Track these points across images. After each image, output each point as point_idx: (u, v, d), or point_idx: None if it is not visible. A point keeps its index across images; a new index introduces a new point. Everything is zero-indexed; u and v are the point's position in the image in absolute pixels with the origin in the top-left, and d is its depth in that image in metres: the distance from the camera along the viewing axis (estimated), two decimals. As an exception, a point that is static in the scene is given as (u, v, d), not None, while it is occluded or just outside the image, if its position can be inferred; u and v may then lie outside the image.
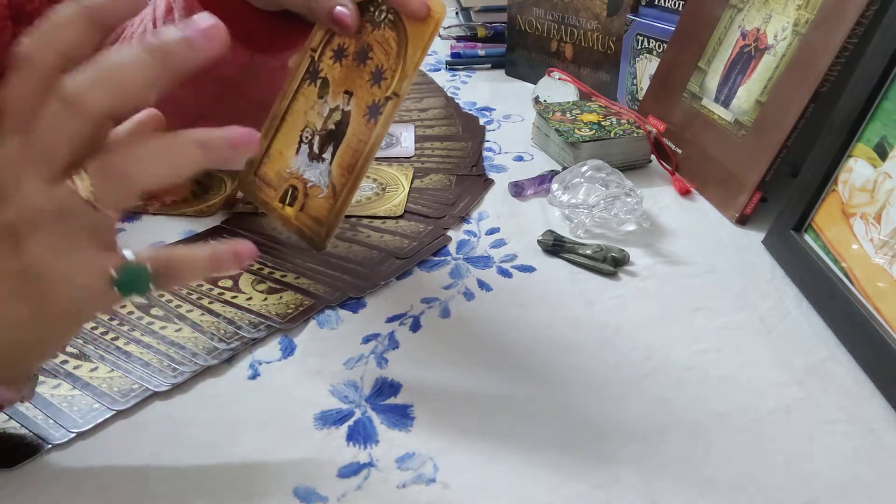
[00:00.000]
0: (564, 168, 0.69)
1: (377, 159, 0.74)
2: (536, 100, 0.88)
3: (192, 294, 0.51)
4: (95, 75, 0.29)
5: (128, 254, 0.31)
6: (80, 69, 0.29)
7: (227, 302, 0.50)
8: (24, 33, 0.29)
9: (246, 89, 0.56)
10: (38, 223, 0.30)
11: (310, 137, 0.44)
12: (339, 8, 0.42)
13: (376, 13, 0.42)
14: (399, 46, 0.40)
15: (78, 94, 0.29)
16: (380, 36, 0.41)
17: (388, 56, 0.41)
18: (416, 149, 0.78)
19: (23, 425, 0.39)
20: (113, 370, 0.43)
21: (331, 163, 0.42)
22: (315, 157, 0.43)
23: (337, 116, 0.43)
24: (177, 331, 0.47)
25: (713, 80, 0.72)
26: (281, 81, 0.47)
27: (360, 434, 0.39)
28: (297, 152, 0.44)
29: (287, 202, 0.44)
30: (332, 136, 0.43)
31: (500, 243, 0.59)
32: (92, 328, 0.47)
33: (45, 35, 0.29)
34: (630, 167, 0.73)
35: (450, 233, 0.61)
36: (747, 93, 0.67)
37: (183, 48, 0.29)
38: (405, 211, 0.64)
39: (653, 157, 0.74)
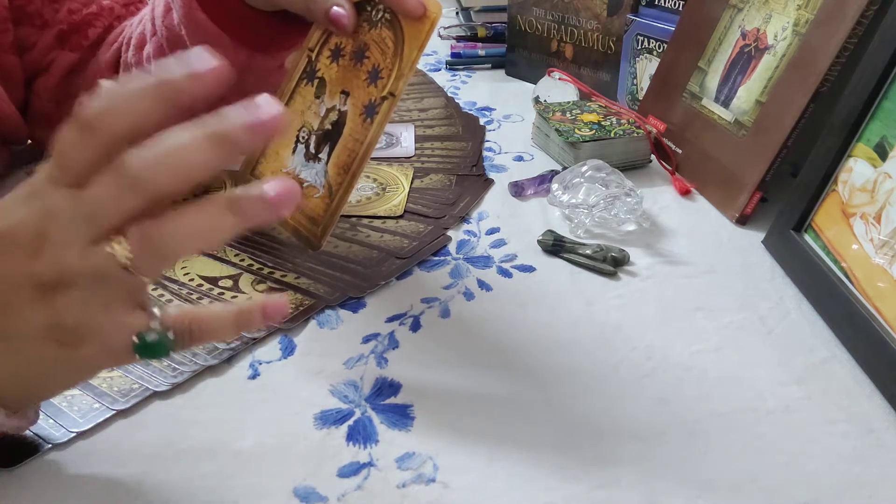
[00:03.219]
0: (564, 168, 0.69)
1: (377, 159, 0.74)
2: (536, 100, 0.88)
3: (192, 294, 0.51)
4: (159, 157, 0.29)
5: (156, 312, 0.32)
6: (144, 147, 0.29)
7: (227, 302, 0.50)
8: (92, 95, 0.29)
9: (244, 89, 0.56)
10: (72, 282, 0.30)
11: (306, 137, 0.44)
12: (336, 8, 0.42)
13: (373, 13, 0.42)
14: (395, 46, 0.40)
15: (141, 175, 0.29)
16: (377, 35, 0.41)
17: (385, 55, 0.41)
18: (416, 149, 0.78)
19: (23, 425, 0.39)
20: (113, 370, 0.43)
21: (327, 163, 0.42)
22: (311, 157, 0.43)
23: (333, 116, 0.43)
24: (177, 331, 0.47)
25: (713, 80, 0.72)
26: (279, 81, 0.47)
27: (360, 434, 0.40)
28: (294, 152, 0.44)
29: None
30: (329, 136, 0.43)
31: (500, 243, 0.59)
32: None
33: (116, 104, 0.29)
34: (630, 167, 0.73)
35: (450, 233, 0.61)
36: (747, 93, 0.67)
37: (245, 135, 0.29)
38: (405, 211, 0.64)
39: (653, 157, 0.74)
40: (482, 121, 0.87)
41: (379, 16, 0.41)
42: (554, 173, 0.67)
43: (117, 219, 0.29)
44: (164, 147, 0.29)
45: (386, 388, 0.43)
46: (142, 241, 0.29)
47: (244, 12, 0.50)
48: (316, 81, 0.44)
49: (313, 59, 0.45)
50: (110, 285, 0.30)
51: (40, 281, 0.30)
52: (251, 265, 0.55)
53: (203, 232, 0.30)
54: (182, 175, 0.29)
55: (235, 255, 0.56)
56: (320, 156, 0.43)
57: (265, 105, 0.29)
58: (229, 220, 0.29)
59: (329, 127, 0.43)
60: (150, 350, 0.32)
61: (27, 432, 0.38)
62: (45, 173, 0.30)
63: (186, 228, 0.29)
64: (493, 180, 0.71)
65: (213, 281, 0.53)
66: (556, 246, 0.58)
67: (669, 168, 0.73)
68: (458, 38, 1.17)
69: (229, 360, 0.45)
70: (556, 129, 0.72)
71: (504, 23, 1.08)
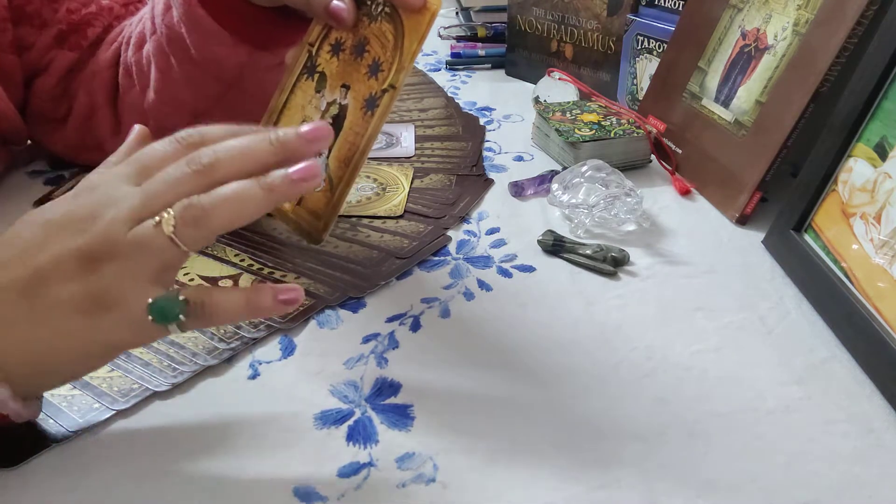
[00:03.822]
0: (564, 168, 0.69)
1: (377, 159, 0.74)
2: (536, 100, 0.88)
3: (192, 294, 0.51)
4: (224, 196, 0.34)
5: (174, 287, 0.35)
6: (212, 191, 0.34)
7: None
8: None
9: (244, 86, 0.56)
10: (115, 252, 0.33)
11: None
12: (335, 2, 0.42)
13: (373, 6, 0.42)
14: (396, 39, 0.40)
15: (204, 209, 0.33)
16: (377, 29, 0.41)
17: (385, 49, 0.41)
18: (416, 149, 0.78)
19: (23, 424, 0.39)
20: (113, 370, 0.43)
21: (328, 156, 0.42)
22: None
23: (334, 110, 0.43)
24: (177, 331, 0.47)
25: (713, 80, 0.72)
26: (279, 77, 0.47)
27: (360, 434, 0.40)
28: None
29: None
30: None
31: (500, 243, 0.59)
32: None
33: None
34: (630, 167, 0.73)
35: (450, 233, 0.61)
36: (747, 93, 0.67)
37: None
38: (405, 211, 0.64)
39: (653, 157, 0.74)
40: (482, 121, 0.87)
41: (379, 9, 0.41)
42: (554, 173, 0.67)
43: (173, 199, 0.33)
44: (227, 190, 0.34)
45: (386, 388, 0.43)
46: (185, 212, 0.33)
47: (244, 9, 0.50)
48: (316, 76, 0.44)
49: (314, 53, 0.45)
50: (149, 257, 0.33)
51: (87, 252, 0.33)
52: (251, 265, 0.55)
53: (238, 205, 0.34)
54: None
55: (235, 255, 0.56)
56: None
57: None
58: (260, 194, 0.34)
59: (330, 121, 0.43)
60: (161, 311, 0.33)
61: (28, 432, 0.38)
62: (118, 169, 0.35)
63: (224, 200, 0.33)
64: (493, 180, 0.71)
65: (212, 281, 0.53)
66: (556, 246, 0.58)
67: (669, 168, 0.73)
68: (458, 38, 1.17)
69: (229, 360, 0.45)
70: (556, 129, 0.72)
71: (504, 23, 1.08)
